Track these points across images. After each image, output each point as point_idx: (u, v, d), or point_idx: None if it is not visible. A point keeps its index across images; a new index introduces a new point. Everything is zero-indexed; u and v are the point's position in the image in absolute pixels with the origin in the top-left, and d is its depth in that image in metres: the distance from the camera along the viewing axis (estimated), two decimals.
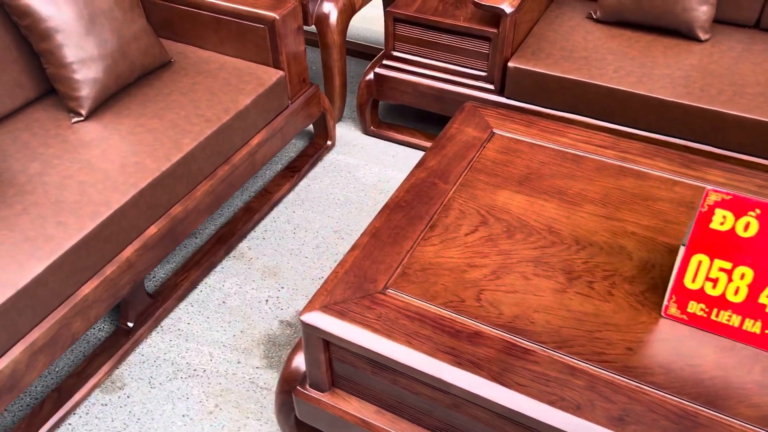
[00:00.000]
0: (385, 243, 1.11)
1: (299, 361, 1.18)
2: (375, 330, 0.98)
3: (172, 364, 1.43)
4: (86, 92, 1.49)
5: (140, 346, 1.47)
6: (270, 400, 1.35)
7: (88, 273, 1.29)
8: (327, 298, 1.03)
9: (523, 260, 1.08)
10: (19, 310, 1.16)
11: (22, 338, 1.18)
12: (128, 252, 1.36)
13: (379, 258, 1.09)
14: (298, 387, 1.12)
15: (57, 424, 1.31)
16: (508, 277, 1.05)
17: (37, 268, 1.18)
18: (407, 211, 1.17)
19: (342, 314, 1.00)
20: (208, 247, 1.70)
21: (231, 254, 1.69)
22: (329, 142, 2.03)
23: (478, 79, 1.83)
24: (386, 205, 1.20)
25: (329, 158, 2.00)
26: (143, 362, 1.43)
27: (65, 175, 1.37)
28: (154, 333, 1.50)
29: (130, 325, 1.49)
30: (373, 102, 2.06)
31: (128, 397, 1.37)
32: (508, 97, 1.81)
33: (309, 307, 1.02)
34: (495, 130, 1.36)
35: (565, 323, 0.98)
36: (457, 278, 1.05)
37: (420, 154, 2.01)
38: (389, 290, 1.03)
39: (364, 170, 1.95)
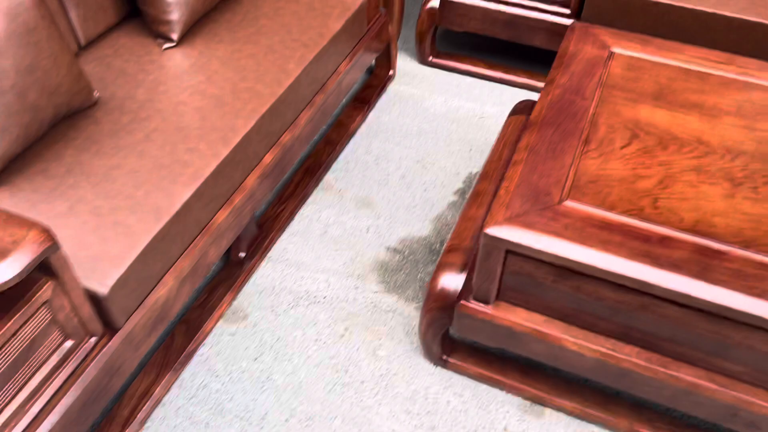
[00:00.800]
0: (545, 158, 1.13)
1: (446, 281, 1.21)
2: (567, 238, 1.01)
3: (290, 292, 1.44)
4: (177, 16, 1.43)
5: (254, 277, 1.46)
6: (397, 321, 1.38)
7: (220, 201, 1.26)
8: (508, 212, 1.04)
9: (684, 170, 1.11)
10: (172, 238, 1.13)
11: (172, 266, 1.16)
12: (251, 180, 1.33)
13: (544, 172, 1.11)
14: (462, 302, 1.15)
15: (190, 355, 1.31)
16: (676, 186, 1.09)
17: (185, 194, 1.15)
18: (556, 127, 1.19)
19: (529, 225, 1.02)
20: (298, 179, 1.68)
21: (319, 186, 1.68)
22: (391, 72, 2.01)
23: (553, 3, 1.83)
24: (531, 122, 1.21)
25: (392, 89, 1.98)
26: (260, 292, 1.43)
27: (177, 101, 1.32)
28: (264, 263, 1.49)
29: (242, 255, 1.47)
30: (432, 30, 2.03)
31: (254, 325, 1.37)
32: (585, 21, 1.81)
33: (491, 221, 1.03)
34: (613, 49, 1.38)
35: (745, 225, 1.02)
36: (628, 188, 1.08)
37: (483, 83, 2.01)
38: (566, 202, 1.06)
39: (430, 101, 1.94)
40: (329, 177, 1.71)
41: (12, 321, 0.88)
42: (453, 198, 1.66)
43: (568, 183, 1.09)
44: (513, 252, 1.05)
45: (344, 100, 1.96)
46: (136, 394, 1.23)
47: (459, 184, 1.69)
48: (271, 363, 1.31)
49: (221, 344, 1.34)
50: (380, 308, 1.42)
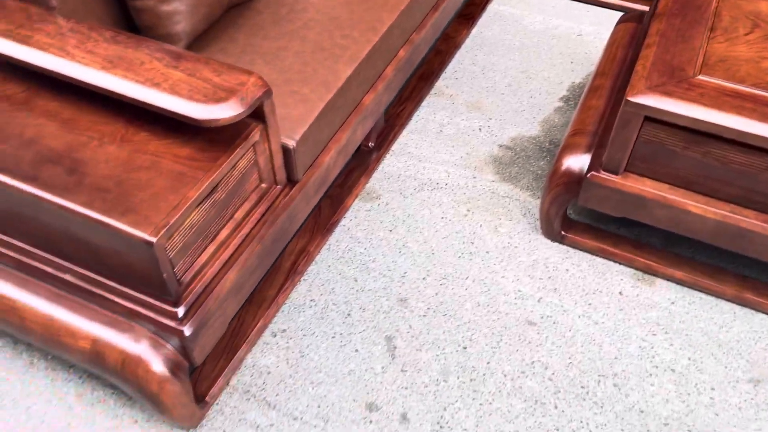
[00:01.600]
0: (675, 41, 1.24)
1: (571, 160, 1.34)
2: (703, 104, 1.13)
3: (415, 179, 1.58)
4: None
5: (381, 165, 1.61)
6: (514, 205, 1.52)
7: (367, 85, 1.40)
8: (647, 82, 1.17)
9: None
10: (335, 110, 1.28)
11: (334, 136, 1.31)
12: (389, 70, 1.47)
13: (676, 53, 1.22)
14: (592, 173, 1.29)
15: (334, 224, 1.47)
16: None
17: (346, 71, 1.29)
18: (683, 17, 1.30)
19: (667, 94, 1.14)
20: (414, 84, 1.81)
21: (432, 91, 1.81)
22: None
23: None
24: (659, 13, 1.32)
25: (492, 8, 2.09)
26: (388, 178, 1.58)
27: None
28: (389, 155, 1.64)
29: (371, 145, 1.62)
30: None
31: (386, 204, 1.52)
32: None
33: (632, 91, 1.16)
34: None
35: None
36: (755, 67, 1.19)
37: (579, 4, 2.10)
38: (699, 76, 1.18)
39: (529, 19, 2.04)
40: (440, 84, 1.84)
41: (234, 154, 1.03)
42: (558, 104, 1.78)
43: (699, 61, 1.20)
44: (651, 119, 1.17)
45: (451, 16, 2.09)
46: (294, 251, 1.40)
47: (563, 92, 1.81)
48: (405, 234, 1.47)
49: (359, 218, 1.49)
50: (498, 194, 1.55)
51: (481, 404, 1.21)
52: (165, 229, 0.94)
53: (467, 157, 1.65)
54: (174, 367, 1.06)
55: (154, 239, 0.92)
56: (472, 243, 1.46)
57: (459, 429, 1.17)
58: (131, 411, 1.19)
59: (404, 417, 1.19)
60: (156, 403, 1.06)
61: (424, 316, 1.33)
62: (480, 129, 1.72)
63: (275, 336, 1.30)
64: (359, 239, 1.46)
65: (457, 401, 1.21)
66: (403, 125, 1.73)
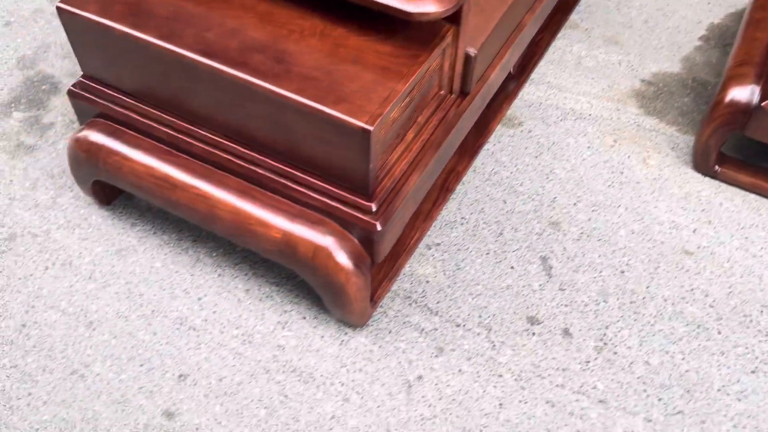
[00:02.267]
0: None
1: (736, 92, 1.31)
2: None
3: (557, 108, 1.57)
4: None
5: (521, 93, 1.60)
6: (661, 139, 1.50)
7: (528, 5, 1.39)
8: None
9: None
10: (504, 25, 1.27)
11: (499, 52, 1.30)
12: None
13: None
14: (762, 104, 1.26)
15: (479, 148, 1.47)
16: None
17: None
18: None
19: None
20: (551, 14, 1.79)
21: (566, 24, 1.78)
22: None
23: None
24: None
25: None
26: (529, 106, 1.57)
27: None
28: (528, 84, 1.62)
29: (512, 71, 1.61)
30: None
31: (530, 131, 1.52)
32: None
33: None
34: None
35: None
36: None
37: None
38: None
39: None
40: (574, 17, 1.80)
41: (432, 54, 1.04)
42: (698, 43, 1.73)
43: None
44: None
45: None
46: (445, 169, 1.41)
47: (702, 32, 1.76)
48: (551, 161, 1.46)
49: (503, 143, 1.49)
50: (643, 127, 1.54)
51: (643, 325, 1.21)
52: (380, 118, 0.95)
53: (608, 89, 1.63)
54: (359, 262, 1.08)
55: (371, 127, 0.93)
56: (622, 173, 1.45)
57: (623, 347, 1.18)
58: (299, 308, 1.22)
59: (566, 332, 1.20)
60: (340, 295, 1.09)
61: (578, 239, 1.33)
62: (619, 63, 1.69)
63: (430, 249, 1.31)
64: (504, 163, 1.46)
65: (618, 321, 1.22)
66: (541, 55, 1.70)
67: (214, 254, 1.30)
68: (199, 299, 1.24)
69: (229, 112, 1.07)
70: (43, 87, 1.61)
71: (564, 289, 1.26)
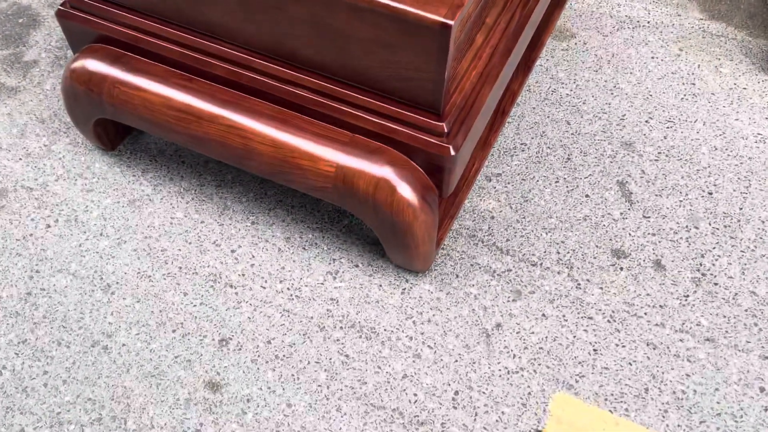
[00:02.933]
0: None
1: None
2: None
3: (610, 17, 1.40)
4: None
5: (569, 2, 1.43)
6: (731, 45, 1.33)
7: None
8: None
9: None
10: None
11: None
12: None
13: None
14: None
15: (532, 62, 1.30)
16: None
17: None
18: None
19: None
20: None
21: None
22: None
23: None
24: None
25: None
26: (580, 16, 1.39)
27: None
28: None
29: None
30: None
31: (584, 43, 1.35)
32: None
33: None
34: None
35: None
36: None
37: None
38: None
39: None
40: None
41: None
42: None
43: None
44: None
45: None
46: None
47: None
48: (613, 74, 1.30)
49: (557, 57, 1.32)
50: (710, 33, 1.37)
51: (742, 251, 1.07)
52: (460, 11, 0.77)
53: None
54: (427, 196, 0.92)
55: (452, 22, 0.76)
56: (693, 84, 1.29)
57: (723, 277, 1.05)
58: (349, 255, 1.06)
59: (658, 264, 1.06)
60: (405, 235, 0.93)
61: (656, 160, 1.19)
62: None
63: (490, 180, 1.16)
64: (562, 80, 1.30)
65: (714, 248, 1.08)
66: None
67: (243, 200, 1.14)
68: (233, 251, 1.08)
69: (261, 19, 0.88)
70: (20, 20, 1.40)
71: (648, 216, 1.12)
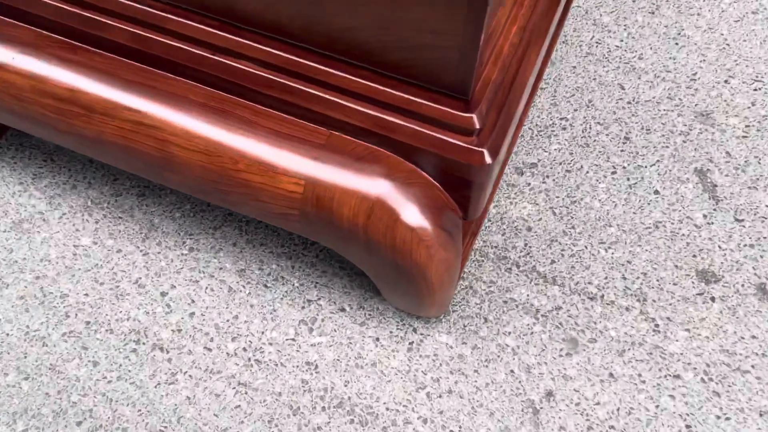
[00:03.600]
0: None
1: None
2: None
3: None
4: None
5: None
6: None
7: None
8: None
9: None
10: None
11: None
12: None
13: None
14: None
15: (567, 5, 1.00)
16: None
17: None
18: None
19: None
20: None
21: None
22: None
23: None
24: None
25: None
26: None
27: None
28: None
29: None
30: None
31: None
32: None
33: None
34: None
35: None
36: None
37: None
38: None
39: None
40: None
41: None
42: None
43: None
44: None
45: None
46: None
47: None
48: (675, 17, 0.99)
49: None
50: None
51: None
52: None
53: None
54: (447, 223, 0.62)
55: None
56: None
57: None
58: (330, 293, 0.75)
59: (763, 290, 0.78)
60: (417, 280, 0.61)
61: (745, 137, 0.89)
62: None
63: (523, 174, 0.86)
64: (608, 26, 0.98)
65: None
66: None
67: (176, 215, 0.81)
68: (164, 295, 0.77)
69: None
70: None
71: (742, 220, 0.83)
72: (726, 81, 0.91)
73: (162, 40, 0.60)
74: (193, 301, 0.75)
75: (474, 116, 0.54)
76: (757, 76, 0.91)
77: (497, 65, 0.56)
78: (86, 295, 0.75)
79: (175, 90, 0.61)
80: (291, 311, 0.74)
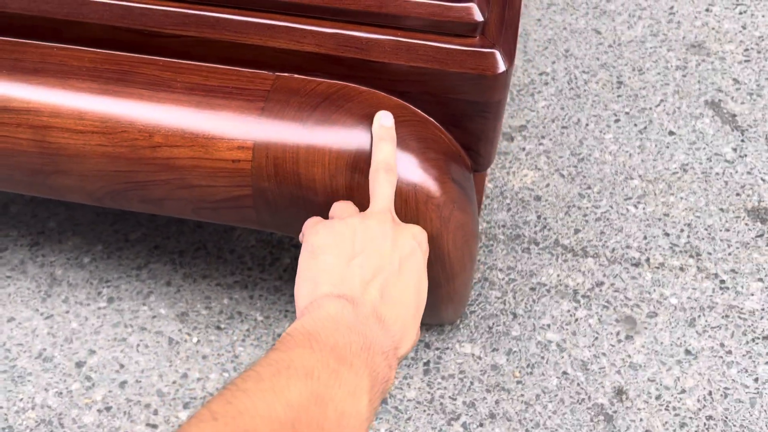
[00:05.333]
0: None
1: None
2: None
3: None
4: None
5: None
6: None
7: None
8: None
9: None
10: None
11: None
12: None
13: None
14: None
15: None
16: None
17: None
18: None
19: None
20: None
21: None
22: None
23: None
24: None
25: None
26: None
27: None
28: None
29: None
30: None
31: None
32: None
33: None
34: None
35: None
36: None
37: None
38: None
39: None
40: None
41: None
42: None
43: None
44: None
45: None
46: None
47: None
48: None
49: None
50: None
51: None
52: None
53: None
54: (457, 175, 0.46)
55: None
56: None
57: None
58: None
59: None
60: (429, 261, 0.46)
61: (747, 60, 0.78)
62: None
63: (513, 139, 0.70)
64: None
65: None
66: None
67: (85, 260, 0.63)
68: (80, 365, 0.57)
69: None
70: None
71: None
72: (707, 9, 0.81)
73: None
74: (122, 366, 0.55)
75: (473, 5, 0.39)
76: (737, 0, 0.83)
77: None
78: None
79: (49, 57, 0.44)
80: (258, 353, 0.56)
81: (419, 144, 0.42)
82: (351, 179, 0.40)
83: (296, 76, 0.42)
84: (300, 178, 0.41)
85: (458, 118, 0.42)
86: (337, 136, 0.41)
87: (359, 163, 0.40)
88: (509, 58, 0.40)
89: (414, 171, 0.42)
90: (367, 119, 0.41)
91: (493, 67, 0.39)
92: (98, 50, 0.44)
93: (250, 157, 0.41)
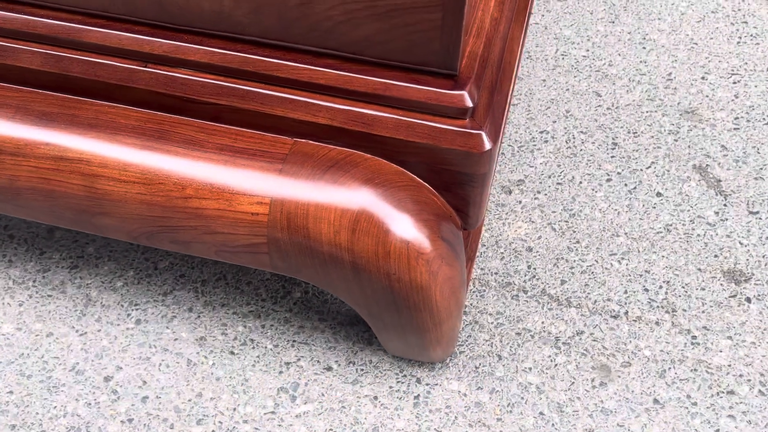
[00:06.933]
0: None
1: None
2: None
3: None
4: None
5: None
6: None
7: None
8: None
9: None
10: None
11: None
12: None
13: None
14: None
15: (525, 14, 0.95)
16: None
17: None
18: None
19: None
20: None
21: None
22: None
23: None
24: None
25: None
26: None
27: None
28: None
29: None
30: None
31: None
32: None
33: None
34: None
35: None
36: None
37: None
38: None
39: None
40: None
41: None
42: None
43: None
44: None
45: None
46: None
47: None
48: (637, 23, 0.94)
49: (555, 12, 0.94)
50: None
51: None
52: None
53: None
54: (447, 233, 0.53)
55: None
56: (746, 22, 0.96)
57: None
58: (311, 350, 0.63)
59: None
60: (419, 308, 0.49)
61: (736, 128, 0.83)
62: None
63: (511, 192, 0.77)
64: (570, 39, 0.93)
65: None
66: None
67: (118, 284, 0.71)
68: (108, 379, 0.64)
69: None
70: None
71: (756, 212, 0.75)
72: (703, 78, 0.87)
73: (81, 57, 0.51)
74: (144, 383, 0.62)
75: (465, 93, 0.46)
76: (732, 70, 0.88)
77: (481, 39, 0.49)
78: (10, 392, 0.61)
79: (102, 115, 0.51)
80: (266, 378, 0.62)
81: (415, 206, 0.48)
82: (351, 236, 0.46)
83: (311, 142, 0.48)
84: (309, 231, 0.47)
85: (449, 185, 0.48)
86: (343, 197, 0.47)
87: (359, 223, 0.46)
88: (494, 138, 0.46)
89: (409, 230, 0.47)
90: (370, 183, 0.47)
91: (479, 146, 0.45)
92: (143, 110, 0.51)
93: (267, 210, 0.47)
